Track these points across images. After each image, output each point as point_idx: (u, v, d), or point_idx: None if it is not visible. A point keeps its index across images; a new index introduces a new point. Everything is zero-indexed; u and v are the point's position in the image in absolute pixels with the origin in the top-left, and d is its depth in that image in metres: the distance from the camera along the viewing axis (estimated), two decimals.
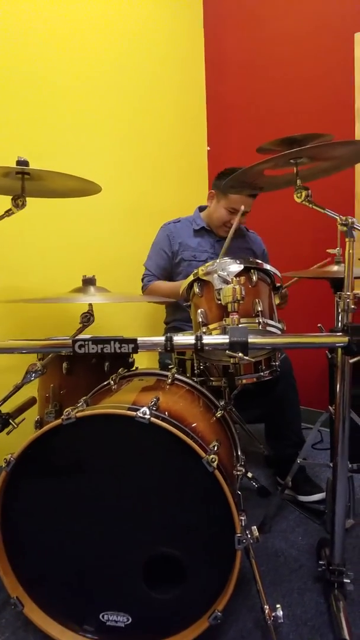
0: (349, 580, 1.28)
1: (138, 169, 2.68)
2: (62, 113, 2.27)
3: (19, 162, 1.31)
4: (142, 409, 1.11)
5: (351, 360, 1.16)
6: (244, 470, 1.45)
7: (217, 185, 2.19)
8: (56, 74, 2.23)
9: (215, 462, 1.10)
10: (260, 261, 1.47)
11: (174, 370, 1.60)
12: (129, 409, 1.14)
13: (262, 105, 2.89)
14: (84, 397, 1.32)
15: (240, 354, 1.14)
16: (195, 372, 1.63)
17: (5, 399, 1.49)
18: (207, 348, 1.18)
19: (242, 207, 2.02)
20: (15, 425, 1.46)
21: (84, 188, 1.52)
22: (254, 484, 1.99)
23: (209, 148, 3.19)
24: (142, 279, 2.30)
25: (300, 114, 2.70)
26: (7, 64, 2.06)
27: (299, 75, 2.70)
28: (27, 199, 1.38)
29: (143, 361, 2.38)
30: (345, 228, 1.19)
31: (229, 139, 3.10)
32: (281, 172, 1.41)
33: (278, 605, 1.20)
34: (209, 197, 2.25)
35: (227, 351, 1.15)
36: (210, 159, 3.17)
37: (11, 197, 1.37)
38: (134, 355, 1.87)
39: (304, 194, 1.30)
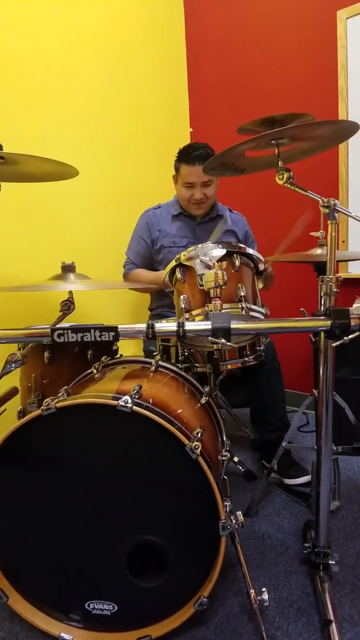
0: (334, 562, 1.29)
1: (118, 151, 2.62)
2: (38, 94, 2.19)
3: None
4: (124, 398, 1.10)
5: (334, 345, 1.14)
6: (229, 455, 1.45)
7: (174, 166, 2.18)
8: (31, 55, 2.16)
9: (199, 449, 1.09)
10: (243, 245, 1.45)
11: (158, 357, 1.58)
12: (111, 398, 1.12)
13: (245, 85, 2.85)
14: (65, 387, 1.30)
15: (223, 340, 1.13)
16: (180, 358, 1.62)
17: None
18: (189, 334, 1.16)
19: (196, 179, 2.07)
20: None
21: (60, 171, 1.48)
22: (240, 468, 1.99)
23: (191, 129, 3.14)
24: (124, 267, 2.31)
25: (284, 93, 2.67)
26: None
27: (282, 54, 2.66)
28: (2, 183, 1.33)
29: (129, 349, 2.36)
30: (327, 210, 1.17)
31: (212, 120, 3.05)
32: (263, 154, 1.38)
33: (264, 589, 1.21)
34: (174, 181, 2.23)
35: (209, 337, 1.14)
36: (193, 141, 3.11)
37: None
38: (119, 343, 1.85)
39: (285, 175, 1.27)
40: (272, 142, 1.27)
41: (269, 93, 2.73)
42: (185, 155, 2.08)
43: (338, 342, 1.13)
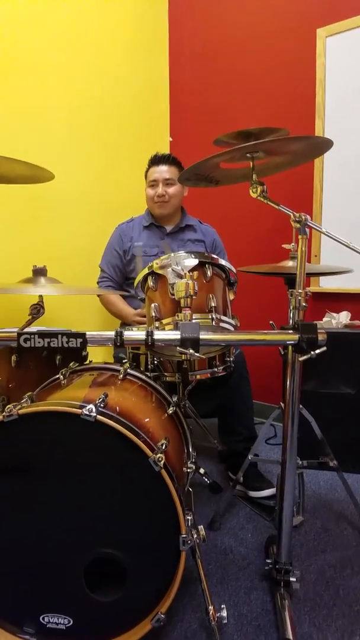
0: (295, 579, 1.28)
1: (96, 158, 2.61)
2: (17, 97, 2.17)
3: None
4: (88, 407, 1.07)
5: (301, 359, 1.15)
6: (194, 467, 1.43)
7: (144, 175, 2.31)
8: (13, 58, 2.14)
9: (162, 462, 1.07)
10: (215, 256, 1.46)
11: (127, 365, 1.56)
12: (75, 406, 1.09)
13: (225, 99, 2.88)
14: (29, 393, 1.26)
15: (191, 351, 1.12)
16: (149, 367, 1.61)
17: None
18: (158, 344, 1.15)
19: (158, 175, 2.21)
20: None
21: (35, 175, 1.45)
22: (206, 479, 1.98)
23: (171, 139, 3.15)
24: (98, 282, 2.34)
25: (263, 108, 2.70)
26: None
27: (262, 70, 2.69)
28: None
29: (99, 355, 2.34)
30: (298, 225, 1.17)
31: (192, 131, 3.06)
32: (238, 166, 1.38)
33: (223, 606, 1.20)
34: (145, 192, 2.32)
35: (178, 347, 1.13)
36: (172, 151, 3.12)
37: None
38: (89, 349, 1.82)
39: (259, 189, 1.28)
40: (247, 155, 1.27)
41: (248, 107, 2.77)
42: (152, 159, 2.27)
43: (305, 357, 1.13)
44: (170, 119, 3.17)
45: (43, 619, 1.15)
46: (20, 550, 1.15)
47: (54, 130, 2.36)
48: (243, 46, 2.77)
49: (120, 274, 2.30)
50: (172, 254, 1.41)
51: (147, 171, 2.30)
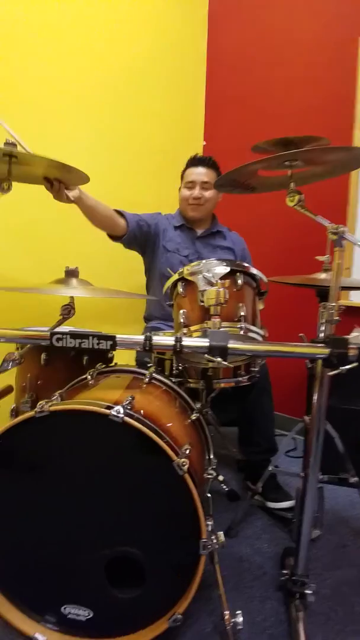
0: (310, 592, 1.27)
1: (130, 159, 2.65)
2: (54, 101, 2.24)
3: (7, 144, 1.27)
4: (117, 408, 1.10)
5: (330, 373, 1.14)
6: (214, 473, 1.44)
7: (181, 175, 2.30)
8: (51, 61, 2.21)
9: (186, 466, 1.08)
10: (247, 264, 1.46)
11: (152, 369, 1.57)
12: (103, 406, 1.12)
13: (262, 104, 2.88)
14: (59, 391, 1.30)
15: (219, 359, 1.13)
16: (174, 372, 1.62)
17: None
18: (186, 350, 1.16)
19: (195, 177, 2.20)
20: None
21: (71, 177, 1.49)
22: (223, 487, 1.98)
23: (204, 143, 3.16)
24: None
25: (299, 115, 2.70)
26: None
27: (301, 77, 2.69)
28: (12, 183, 1.33)
29: (123, 356, 2.35)
30: (335, 237, 1.16)
31: (226, 135, 3.08)
32: (274, 174, 1.38)
33: (238, 612, 1.20)
34: (179, 192, 2.32)
35: (205, 355, 1.14)
36: (205, 154, 3.13)
37: None
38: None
39: (296, 198, 1.25)
40: (286, 163, 1.26)
41: (284, 114, 2.77)
42: (191, 160, 2.26)
43: (335, 372, 1.13)
44: (205, 123, 3.19)
45: (64, 609, 1.19)
46: (45, 542, 1.18)
47: (89, 132, 2.42)
48: (283, 53, 2.77)
49: (135, 224, 2.20)
50: (204, 261, 1.42)
51: (184, 171, 2.28)
